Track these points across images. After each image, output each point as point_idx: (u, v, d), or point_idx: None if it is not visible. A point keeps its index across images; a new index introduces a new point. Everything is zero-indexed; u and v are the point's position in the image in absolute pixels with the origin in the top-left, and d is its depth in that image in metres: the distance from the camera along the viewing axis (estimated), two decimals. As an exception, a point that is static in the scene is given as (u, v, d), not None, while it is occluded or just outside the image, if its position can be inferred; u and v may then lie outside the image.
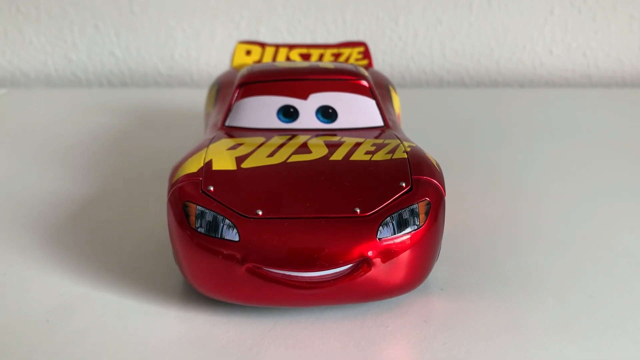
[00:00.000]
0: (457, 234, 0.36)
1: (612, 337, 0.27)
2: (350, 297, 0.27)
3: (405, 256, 0.27)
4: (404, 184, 0.29)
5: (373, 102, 0.36)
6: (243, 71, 0.38)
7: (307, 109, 0.35)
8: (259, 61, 0.51)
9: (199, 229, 0.27)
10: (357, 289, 0.27)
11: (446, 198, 0.30)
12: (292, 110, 0.35)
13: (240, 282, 0.27)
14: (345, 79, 0.37)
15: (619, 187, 0.44)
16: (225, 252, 0.27)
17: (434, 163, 0.31)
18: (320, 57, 0.51)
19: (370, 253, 0.27)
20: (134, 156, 0.50)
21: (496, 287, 0.31)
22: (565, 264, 0.34)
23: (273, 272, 0.26)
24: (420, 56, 0.79)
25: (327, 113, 0.35)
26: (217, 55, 0.78)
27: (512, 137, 0.57)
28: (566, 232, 0.37)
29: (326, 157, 0.31)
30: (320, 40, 0.77)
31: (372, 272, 0.27)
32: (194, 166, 0.30)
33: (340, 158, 0.31)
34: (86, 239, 0.36)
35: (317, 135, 0.33)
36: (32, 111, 0.65)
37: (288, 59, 0.51)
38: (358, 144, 0.32)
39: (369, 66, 0.51)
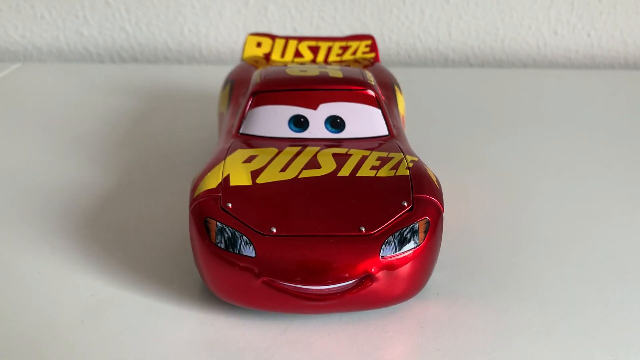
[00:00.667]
0: (454, 235, 0.39)
1: (589, 347, 0.30)
2: (355, 307, 0.30)
3: (405, 270, 0.30)
4: (405, 203, 0.31)
5: (379, 111, 0.39)
6: (256, 78, 0.40)
7: (317, 118, 0.38)
8: (269, 54, 0.53)
9: (219, 244, 0.30)
10: (360, 300, 0.30)
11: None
12: (302, 120, 0.37)
13: (256, 292, 0.30)
14: (352, 89, 0.39)
15: (617, 181, 0.47)
16: (242, 265, 0.30)
17: (434, 180, 0.34)
18: (329, 50, 0.53)
19: (373, 270, 0.29)
20: (150, 144, 0.53)
21: (487, 291, 0.34)
22: (554, 268, 0.36)
23: (286, 285, 0.29)
24: (427, 35, 0.80)
25: (335, 123, 0.38)
26: (226, 32, 0.79)
27: (513, 123, 0.59)
28: (558, 234, 0.40)
29: (334, 172, 0.33)
30: (327, 18, 0.77)
31: (375, 286, 0.30)
32: (213, 181, 0.32)
33: (347, 174, 0.33)
34: (108, 237, 0.39)
35: (326, 147, 0.36)
36: (46, 89, 0.66)
37: (297, 51, 0.53)
38: (364, 158, 0.35)
39: (375, 59, 0.53)
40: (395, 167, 0.34)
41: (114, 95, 0.64)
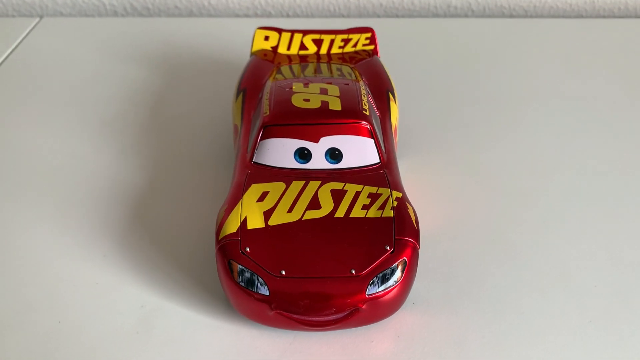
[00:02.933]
0: (432, 240, 0.46)
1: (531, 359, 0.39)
2: (345, 328, 0.39)
3: (386, 300, 0.39)
4: (388, 247, 0.39)
5: (372, 141, 0.45)
6: (265, 108, 0.46)
7: (318, 151, 0.44)
8: (276, 47, 0.57)
9: (240, 283, 0.38)
10: (350, 324, 0.39)
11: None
12: (306, 152, 0.44)
13: (270, 318, 0.39)
14: (349, 122, 0.45)
15: (605, 177, 0.53)
16: (259, 298, 0.38)
17: (413, 219, 0.41)
18: (331, 43, 0.57)
19: (360, 304, 0.38)
20: (176, 132, 0.59)
21: (454, 301, 0.42)
22: (512, 276, 0.44)
23: (294, 316, 0.38)
24: (430, -19, 0.81)
25: (334, 155, 0.44)
26: (234, -20, 0.81)
27: (507, 91, 0.64)
28: (527, 240, 0.46)
29: (332, 213, 0.41)
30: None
31: (361, 314, 0.38)
32: (233, 225, 0.40)
33: (342, 215, 0.40)
34: (147, 242, 0.47)
35: (325, 182, 0.43)
36: (66, 54, 0.71)
37: (302, 44, 0.57)
38: (357, 194, 0.42)
39: (374, 52, 0.57)
40: (382, 207, 0.41)
41: (134, 62, 0.69)
